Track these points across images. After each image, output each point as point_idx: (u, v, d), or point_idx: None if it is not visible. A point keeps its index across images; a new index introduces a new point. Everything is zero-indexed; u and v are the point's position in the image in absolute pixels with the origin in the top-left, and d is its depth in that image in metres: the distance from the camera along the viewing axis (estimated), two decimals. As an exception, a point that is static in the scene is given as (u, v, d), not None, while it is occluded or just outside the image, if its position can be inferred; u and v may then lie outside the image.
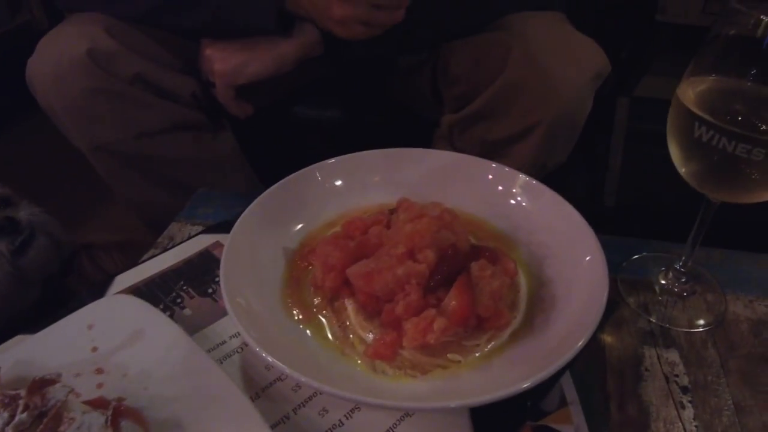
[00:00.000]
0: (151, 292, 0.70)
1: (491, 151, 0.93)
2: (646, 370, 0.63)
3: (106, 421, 0.51)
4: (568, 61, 0.87)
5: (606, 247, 0.62)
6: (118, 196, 1.07)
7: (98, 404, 0.53)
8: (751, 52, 0.55)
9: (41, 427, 0.47)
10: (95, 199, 1.80)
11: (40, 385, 0.49)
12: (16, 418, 0.47)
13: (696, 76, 0.59)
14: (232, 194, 0.89)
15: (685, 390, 0.61)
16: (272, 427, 0.52)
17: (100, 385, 0.57)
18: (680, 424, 0.58)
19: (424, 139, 1.05)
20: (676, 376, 0.63)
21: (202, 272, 0.73)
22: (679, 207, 0.75)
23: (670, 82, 0.62)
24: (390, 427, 0.55)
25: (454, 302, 0.57)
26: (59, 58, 0.90)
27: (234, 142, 1.09)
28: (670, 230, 0.78)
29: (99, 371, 0.59)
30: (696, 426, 0.58)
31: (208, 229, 0.80)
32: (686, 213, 0.70)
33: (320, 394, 0.58)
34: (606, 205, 1.61)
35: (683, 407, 0.59)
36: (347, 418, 0.56)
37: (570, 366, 0.62)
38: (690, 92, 0.59)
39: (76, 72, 0.89)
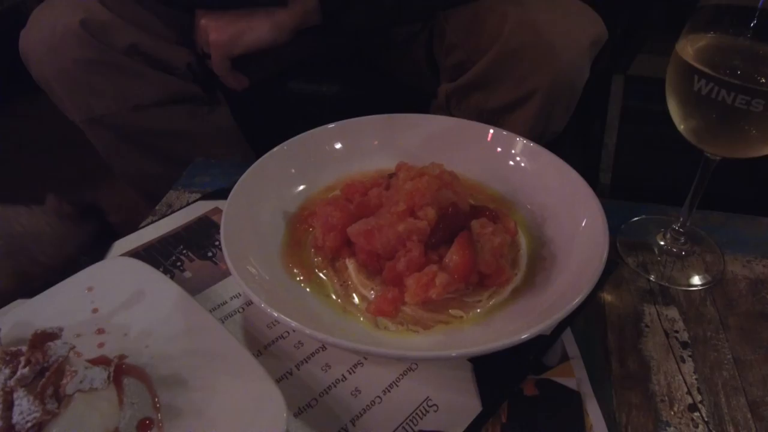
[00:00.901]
0: (150, 256, 0.70)
1: (489, 119, 0.92)
2: (647, 326, 0.63)
3: (108, 377, 0.51)
4: (565, 27, 0.87)
5: (605, 209, 0.62)
6: (115, 170, 1.06)
7: (100, 363, 0.53)
8: (749, 8, 0.55)
9: (43, 380, 0.47)
10: (90, 180, 1.79)
11: (42, 338, 0.49)
12: (18, 373, 0.47)
13: (695, 32, 0.59)
14: (230, 163, 0.88)
15: (685, 345, 0.61)
16: (275, 382, 0.52)
17: (101, 345, 0.57)
18: (680, 377, 0.58)
19: (421, 111, 1.04)
20: (676, 332, 0.63)
21: (201, 237, 0.72)
22: (674, 183, 0.75)
23: (664, 61, 0.62)
24: (393, 382, 0.56)
25: (455, 257, 0.57)
26: (53, 29, 0.89)
27: (230, 116, 1.08)
28: (666, 205, 0.79)
29: (100, 331, 0.59)
30: (696, 379, 0.58)
31: (207, 196, 0.79)
32: (681, 188, 0.70)
33: (323, 350, 0.58)
34: (602, 182, 1.61)
35: (683, 361, 0.60)
36: (350, 373, 0.56)
37: (571, 322, 0.62)
38: (688, 47, 0.59)
39: (70, 42, 0.89)
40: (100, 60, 0.90)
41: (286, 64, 1.13)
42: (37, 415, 0.44)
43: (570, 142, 1.24)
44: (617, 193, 1.59)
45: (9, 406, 0.45)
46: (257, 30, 0.91)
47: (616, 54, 1.55)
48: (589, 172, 1.66)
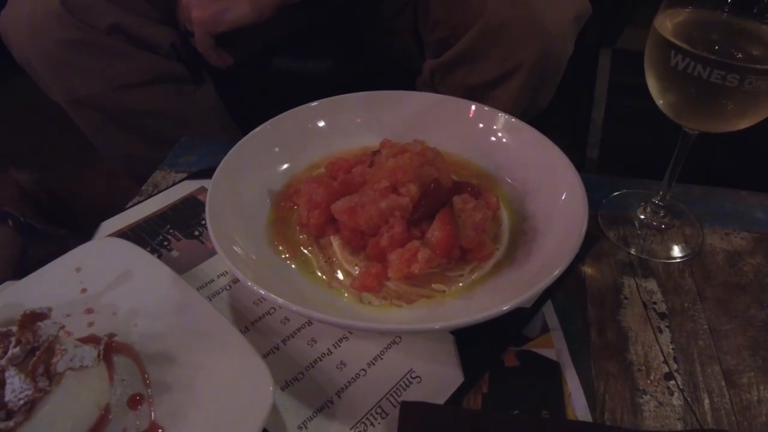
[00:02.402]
0: (137, 236, 0.70)
1: (473, 95, 0.93)
2: (626, 298, 0.65)
3: (98, 355, 0.52)
4: (548, 3, 0.87)
5: (587, 184, 0.63)
6: (100, 150, 1.06)
7: (90, 341, 0.55)
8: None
9: (34, 359, 0.48)
10: (74, 160, 1.78)
11: (31, 318, 0.50)
12: (9, 353, 0.48)
13: (672, 8, 0.59)
14: (215, 142, 0.89)
15: (662, 316, 0.63)
16: (262, 357, 0.53)
17: (90, 324, 0.58)
18: (657, 346, 0.60)
19: (406, 87, 1.05)
20: (654, 303, 0.64)
21: (188, 216, 0.73)
22: (661, 155, 0.76)
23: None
24: (377, 355, 0.57)
25: (437, 233, 0.58)
26: (33, 10, 0.88)
27: (216, 94, 1.08)
28: (652, 177, 0.80)
29: (89, 311, 0.60)
30: (673, 348, 0.60)
31: (193, 175, 0.80)
32: (668, 161, 0.71)
33: (309, 325, 0.60)
34: (589, 157, 1.62)
35: (660, 331, 0.61)
36: (335, 347, 0.58)
37: (551, 295, 0.64)
38: (667, 22, 0.59)
39: (52, 23, 0.88)
40: (83, 40, 0.90)
41: (270, 41, 1.13)
42: (29, 392, 0.45)
43: (558, 117, 1.25)
44: (605, 167, 1.60)
45: (1, 384, 0.46)
46: (240, 7, 0.90)
47: (604, 28, 1.56)
48: (576, 146, 1.67)
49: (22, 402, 0.45)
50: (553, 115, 1.11)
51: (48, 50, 0.90)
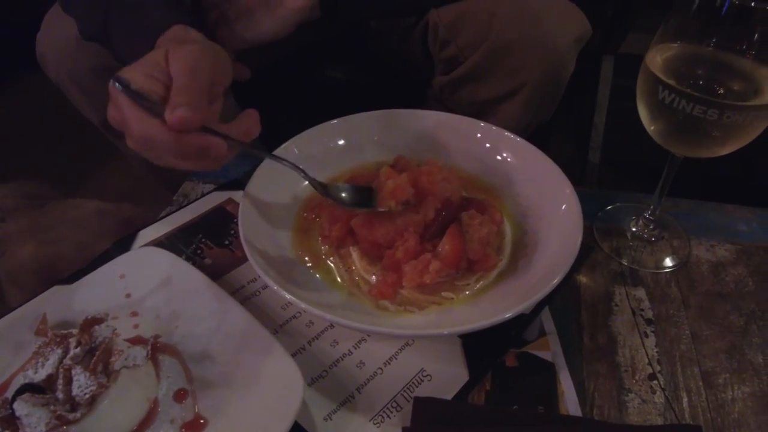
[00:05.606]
0: (172, 244, 0.77)
1: (480, 110, 0.99)
2: (616, 305, 0.72)
3: (147, 354, 0.59)
4: (551, 25, 0.92)
5: (584, 198, 0.70)
6: (132, 161, 1.13)
7: (137, 342, 0.61)
8: (711, 20, 0.61)
9: (95, 358, 0.54)
10: (110, 169, 1.84)
11: (91, 323, 0.57)
12: (71, 353, 0.55)
13: (662, 44, 0.66)
14: (240, 155, 0.95)
15: (649, 322, 0.70)
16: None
17: (136, 326, 0.65)
18: (643, 350, 0.67)
19: (416, 100, 1.11)
20: (642, 310, 0.71)
21: (218, 226, 0.80)
22: (660, 160, 0.82)
23: (651, 39, 0.68)
24: (392, 355, 0.64)
25: (447, 247, 0.65)
26: (67, 36, 0.93)
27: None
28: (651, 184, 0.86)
29: (134, 314, 0.66)
30: (657, 352, 0.66)
31: (220, 187, 0.86)
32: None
33: (331, 328, 0.67)
34: (591, 161, 1.68)
35: (647, 336, 0.68)
36: (355, 348, 0.65)
37: (548, 302, 0.70)
38: (657, 59, 0.65)
39: (85, 50, 0.93)
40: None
41: (286, 54, 1.19)
42: (94, 388, 0.52)
43: (561, 123, 1.31)
44: (606, 171, 1.66)
45: (69, 381, 0.53)
46: (261, 26, 0.95)
47: (606, 37, 1.61)
48: (579, 151, 1.72)
49: (87, 396, 0.52)
50: (556, 120, 1.17)
51: (81, 75, 0.95)
